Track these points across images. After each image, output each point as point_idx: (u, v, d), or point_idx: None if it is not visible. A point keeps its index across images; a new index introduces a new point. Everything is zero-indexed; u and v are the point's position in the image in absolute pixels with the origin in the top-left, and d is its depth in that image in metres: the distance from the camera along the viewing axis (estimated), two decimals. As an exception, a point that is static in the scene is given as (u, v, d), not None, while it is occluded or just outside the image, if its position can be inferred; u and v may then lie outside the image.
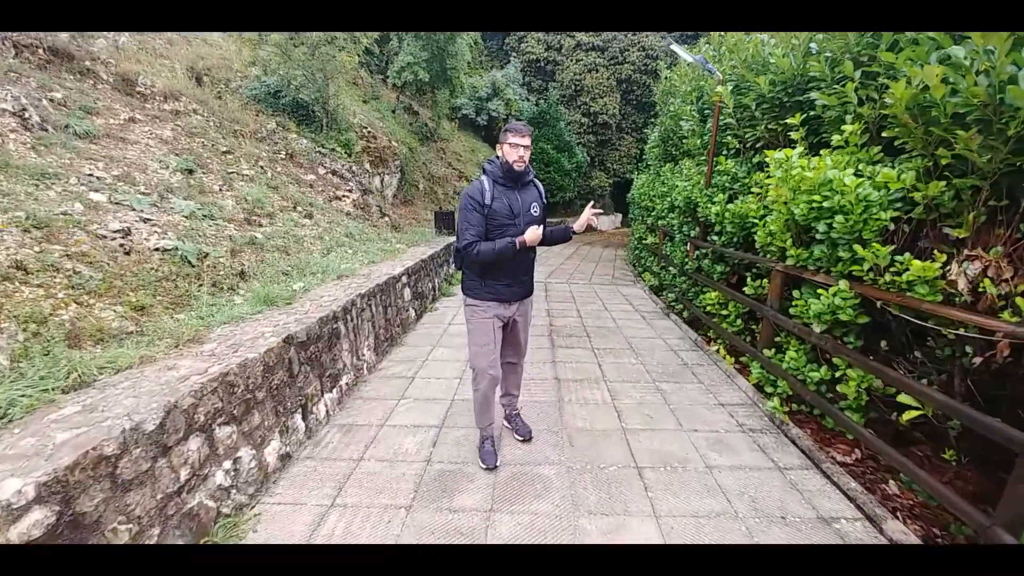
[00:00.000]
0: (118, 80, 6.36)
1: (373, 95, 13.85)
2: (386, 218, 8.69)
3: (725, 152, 5.53)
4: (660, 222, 7.83)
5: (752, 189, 4.38)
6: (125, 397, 2.00)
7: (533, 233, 2.45)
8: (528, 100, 20.43)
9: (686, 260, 5.95)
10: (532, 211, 2.56)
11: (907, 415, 2.18)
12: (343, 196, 7.75)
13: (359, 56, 9.63)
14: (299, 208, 6.40)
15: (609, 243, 18.27)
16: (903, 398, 2.25)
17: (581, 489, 2.50)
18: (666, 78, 9.84)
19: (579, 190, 21.67)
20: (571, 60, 21.08)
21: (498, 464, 2.75)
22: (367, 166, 9.94)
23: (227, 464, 2.28)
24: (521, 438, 2.99)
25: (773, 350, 3.68)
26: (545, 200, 2.70)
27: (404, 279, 5.23)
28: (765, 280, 3.95)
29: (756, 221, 4.12)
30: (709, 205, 5.09)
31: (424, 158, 13.83)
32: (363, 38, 9.18)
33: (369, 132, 10.49)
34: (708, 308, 4.95)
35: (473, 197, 2.46)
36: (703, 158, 6.09)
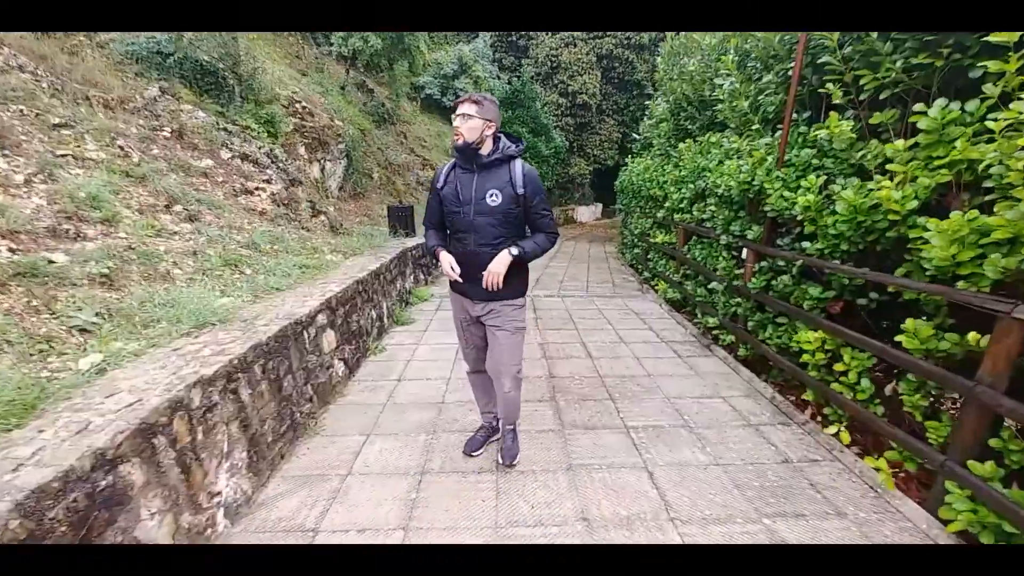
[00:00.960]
0: None
1: (317, 68, 11.65)
2: (322, 216, 6.68)
3: (797, 114, 3.80)
4: (678, 216, 6.10)
5: (888, 167, 2.66)
6: None
7: (445, 260, 2.20)
8: (499, 79, 18.40)
9: (736, 273, 4.23)
10: (489, 199, 2.13)
11: None
12: (257, 189, 5.71)
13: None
14: (177, 207, 4.38)
15: (594, 236, 16.60)
16: None
17: None
18: (673, 35, 8.05)
19: (557, 178, 19.84)
20: (546, 33, 19.11)
21: (475, 454, 2.65)
22: (301, 150, 7.88)
23: None
24: (505, 462, 2.54)
25: (992, 466, 1.95)
26: (523, 188, 2.15)
27: (322, 318, 3.31)
28: (955, 332, 2.22)
29: (912, 220, 2.40)
30: (787, 193, 3.36)
31: (380, 142, 11.75)
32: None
33: (305, 108, 8.39)
34: (804, 357, 3.20)
35: (432, 181, 2.32)
36: (755, 127, 4.35)
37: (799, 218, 3.24)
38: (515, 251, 2.12)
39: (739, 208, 4.21)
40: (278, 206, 5.84)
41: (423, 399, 3.38)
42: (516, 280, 2.24)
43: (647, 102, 20.52)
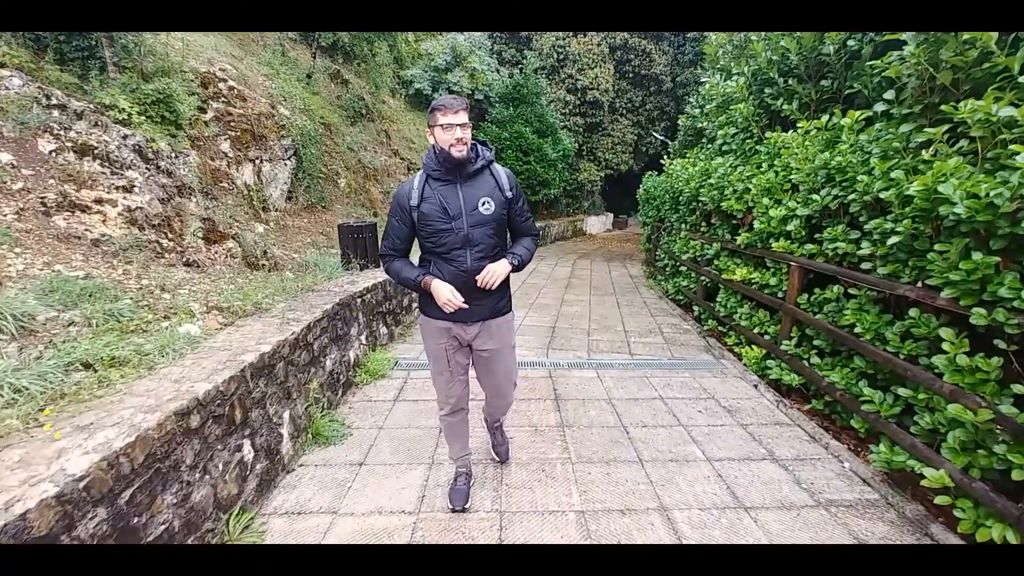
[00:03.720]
0: None
1: (275, 50, 9.46)
2: (230, 243, 4.42)
3: None
4: (778, 245, 3.85)
5: None
6: None
7: (444, 290, 1.93)
8: (499, 72, 16.23)
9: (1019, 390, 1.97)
10: (482, 208, 1.99)
11: None
12: (99, 202, 3.47)
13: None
14: None
15: (610, 253, 14.35)
16: None
17: None
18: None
19: (565, 185, 17.61)
20: (551, 24, 16.96)
21: (467, 507, 2.28)
22: (224, 146, 5.65)
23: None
24: (501, 459, 2.64)
25: None
26: (511, 191, 2.06)
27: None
28: None
29: None
30: None
31: (353, 141, 9.53)
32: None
33: (233, 90, 6.17)
34: None
35: (398, 201, 2.04)
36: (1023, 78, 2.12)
37: None
38: (515, 260, 2.05)
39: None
40: (140, 229, 3.58)
41: None
42: (507, 293, 2.21)
43: (666, 100, 18.38)
